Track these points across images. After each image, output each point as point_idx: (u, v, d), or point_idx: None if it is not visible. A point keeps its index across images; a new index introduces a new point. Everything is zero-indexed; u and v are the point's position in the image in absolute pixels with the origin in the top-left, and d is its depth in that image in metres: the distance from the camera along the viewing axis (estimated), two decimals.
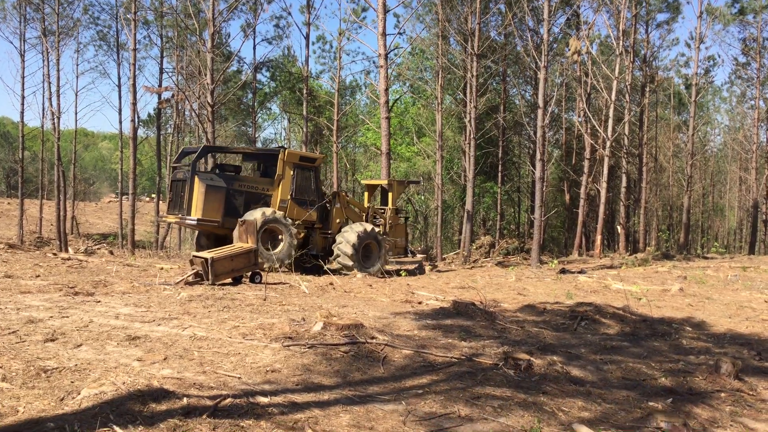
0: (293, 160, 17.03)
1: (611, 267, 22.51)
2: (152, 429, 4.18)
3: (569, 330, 8.96)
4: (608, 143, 28.64)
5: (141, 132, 41.24)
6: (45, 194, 38.50)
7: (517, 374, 6.25)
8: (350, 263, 16.64)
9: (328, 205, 17.84)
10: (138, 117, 30.75)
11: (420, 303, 11.28)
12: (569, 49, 25.91)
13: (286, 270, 16.26)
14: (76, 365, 5.60)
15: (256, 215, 15.34)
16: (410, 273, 18.90)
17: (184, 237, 32.63)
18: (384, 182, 20.41)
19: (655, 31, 38.27)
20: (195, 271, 12.48)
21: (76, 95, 34.99)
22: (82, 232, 38.15)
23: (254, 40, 37.81)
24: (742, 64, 40.26)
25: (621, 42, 30.08)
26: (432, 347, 7.16)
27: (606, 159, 28.96)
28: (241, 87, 36.97)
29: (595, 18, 31.09)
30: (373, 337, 7.16)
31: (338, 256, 16.87)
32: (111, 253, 24.41)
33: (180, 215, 15.84)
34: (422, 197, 41.81)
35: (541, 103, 21.83)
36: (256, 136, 41.96)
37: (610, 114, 29.36)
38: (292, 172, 16.93)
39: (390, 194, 19.54)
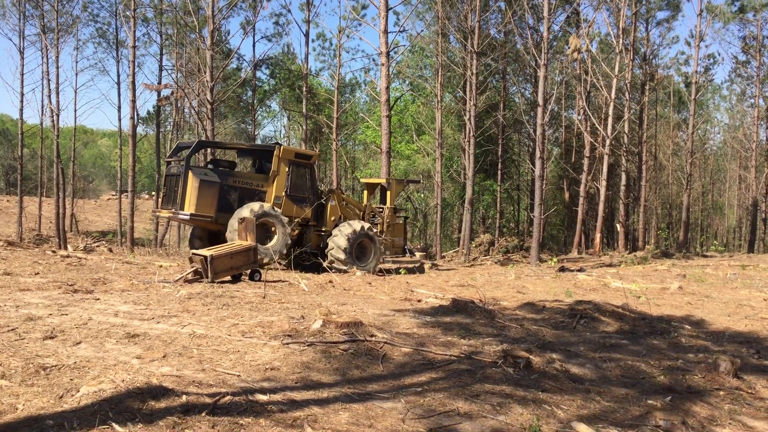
0: (288, 156, 16.95)
1: (610, 265, 22.52)
2: (151, 427, 4.18)
3: (568, 328, 8.97)
4: (608, 141, 28.64)
5: (140, 129, 41.29)
6: (44, 192, 38.50)
7: (517, 372, 6.25)
8: (343, 260, 16.57)
9: (324, 202, 17.79)
10: (137, 114, 30.74)
11: (419, 301, 11.28)
12: (569, 47, 25.90)
13: (285, 268, 16.24)
14: (75, 363, 5.60)
15: (245, 213, 15.20)
16: (409, 271, 18.89)
17: (184, 234, 32.60)
18: (382, 181, 20.35)
19: (655, 29, 38.31)
20: (194, 268, 12.48)
21: (76, 92, 34.94)
22: (81, 229, 38.14)
23: (254, 37, 37.84)
24: (742, 62, 40.26)
25: (621, 40, 30.07)
26: (431, 345, 7.16)
27: (605, 157, 28.97)
28: (241, 84, 36.95)
29: (595, 16, 31.11)
30: (372, 335, 7.16)
31: (332, 253, 16.82)
32: (110, 250, 24.40)
33: (173, 210, 15.76)
34: (422, 195, 41.81)
35: (540, 101, 21.82)
36: (256, 133, 41.95)
37: (610, 112, 29.36)
38: (287, 169, 16.85)
39: (388, 193, 19.47)
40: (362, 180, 24.14)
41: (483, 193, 38.70)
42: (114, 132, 53.06)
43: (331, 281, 13.61)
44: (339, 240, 16.63)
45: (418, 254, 26.18)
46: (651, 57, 38.87)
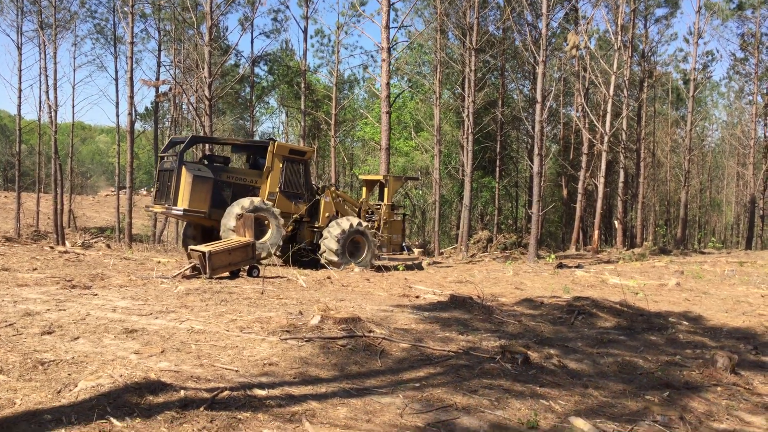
0: (283, 152, 16.87)
1: (608, 262, 22.55)
2: (149, 421, 4.18)
3: (566, 324, 8.98)
4: (606, 138, 28.65)
5: (138, 125, 41.21)
6: (42, 188, 38.47)
7: (515, 367, 6.26)
8: (335, 259, 16.52)
9: (318, 198, 17.72)
10: (135, 110, 30.68)
11: (418, 297, 11.29)
12: (567, 44, 25.87)
13: (283, 264, 16.23)
14: (73, 358, 5.60)
15: (236, 210, 15.14)
16: (408, 268, 18.89)
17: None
18: (379, 177, 20.30)
19: (653, 26, 38.27)
20: (192, 264, 12.47)
21: (74, 88, 34.97)
22: (79, 225, 38.12)
23: (252, 33, 37.78)
24: (740, 59, 40.24)
25: (619, 37, 30.05)
26: (429, 340, 7.17)
27: (604, 154, 28.97)
28: (239, 81, 36.89)
29: (594, 13, 31.06)
30: (370, 331, 7.17)
31: (324, 251, 16.79)
32: (108, 246, 24.39)
33: (166, 205, 15.69)
34: (420, 192, 41.81)
35: (539, 97, 21.81)
36: (254, 129, 41.90)
37: (608, 109, 29.35)
38: (281, 165, 16.77)
39: (386, 190, 19.42)
40: (361, 177, 24.05)
41: (481, 190, 38.72)
42: (112, 128, 53.00)
43: (329, 277, 13.61)
44: (329, 243, 16.58)
45: (416, 251, 26.18)
46: (649, 54, 38.88)
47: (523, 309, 10.03)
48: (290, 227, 17.07)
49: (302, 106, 32.76)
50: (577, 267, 19.25)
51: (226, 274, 12.46)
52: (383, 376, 5.82)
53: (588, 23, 30.69)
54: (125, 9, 28.84)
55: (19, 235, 29.44)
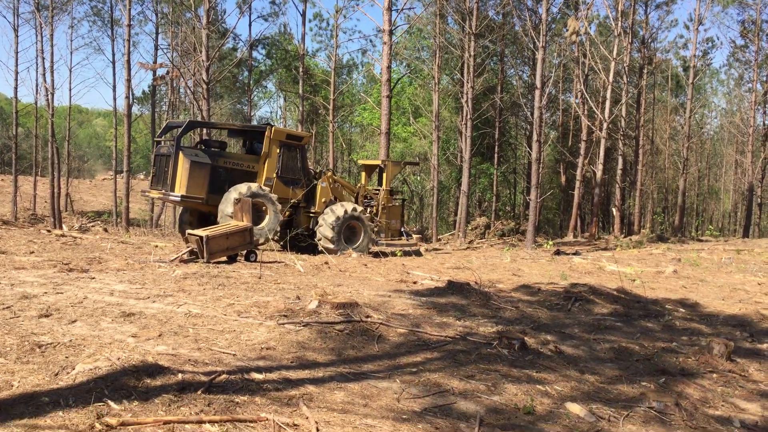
0: (280, 137, 16.79)
1: (606, 249, 22.59)
2: (147, 404, 4.19)
3: (563, 310, 9.00)
4: (605, 125, 28.59)
5: (135, 109, 40.96)
6: (39, 171, 38.30)
7: (511, 353, 6.28)
8: (331, 246, 16.52)
9: (315, 183, 17.66)
10: (132, 94, 30.55)
11: (415, 283, 11.30)
12: (567, 30, 25.70)
13: (281, 249, 16.22)
14: (70, 341, 5.60)
15: (233, 195, 15.11)
16: (405, 253, 18.89)
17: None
18: (378, 162, 20.23)
19: (654, 12, 38.06)
20: (190, 248, 12.47)
21: (70, 71, 34.54)
22: (76, 209, 38.03)
23: (250, 16, 37.50)
24: (740, 46, 40.07)
25: (619, 23, 29.89)
26: (427, 326, 7.18)
27: (602, 141, 28.92)
28: (237, 64, 36.64)
29: None
30: (368, 316, 7.18)
31: (320, 238, 16.78)
32: (105, 230, 24.36)
33: (164, 191, 15.64)
34: (418, 178, 41.74)
35: (538, 83, 21.72)
36: (252, 114, 41.71)
37: (608, 95, 29.26)
38: (278, 150, 16.69)
39: (384, 175, 19.36)
40: (360, 162, 23.94)
41: (479, 176, 38.64)
42: (109, 112, 52.76)
43: (327, 262, 13.62)
44: (324, 230, 16.57)
45: (414, 237, 26.15)
46: (650, 40, 38.69)
47: (521, 295, 10.05)
48: (287, 212, 17.04)
49: (300, 91, 32.58)
50: (574, 254, 19.27)
51: (224, 258, 12.46)
52: (380, 360, 5.84)
53: (588, 9, 30.51)
54: None
55: (16, 218, 29.39)
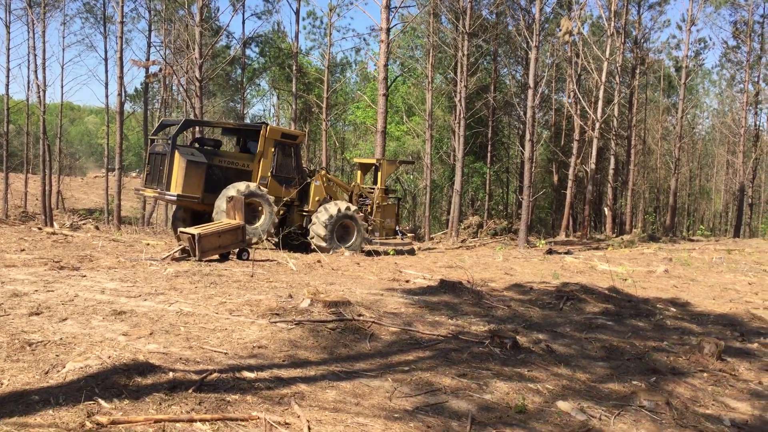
0: (275, 136, 16.76)
1: (598, 248, 22.66)
2: (138, 403, 4.18)
3: (555, 309, 9.02)
4: (597, 125, 28.67)
5: (128, 107, 40.82)
6: (30, 168, 38.12)
7: (503, 351, 6.29)
8: (324, 244, 16.51)
9: (309, 182, 17.64)
10: (125, 91, 30.40)
11: (407, 281, 11.30)
12: (560, 30, 25.76)
13: (274, 247, 16.19)
14: (61, 339, 5.57)
15: (231, 192, 15.08)
16: (398, 252, 18.90)
17: (171, 213, 32.38)
18: (373, 161, 20.21)
19: (647, 12, 38.16)
20: (182, 246, 12.42)
21: (62, 68, 34.59)
22: (67, 207, 37.86)
23: (243, 14, 37.49)
24: (733, 47, 40.26)
25: (612, 23, 29.98)
26: (419, 324, 7.18)
27: (595, 140, 29.00)
28: (230, 62, 36.53)
29: None
30: (360, 314, 7.17)
31: (312, 236, 16.77)
32: (97, 228, 24.25)
33: (159, 190, 15.59)
34: (411, 177, 41.75)
35: (531, 83, 21.77)
36: (245, 112, 41.61)
37: (600, 95, 29.35)
38: (273, 149, 16.68)
39: (379, 173, 19.34)
40: (356, 160, 23.87)
41: (472, 175, 38.68)
42: (101, 109, 52.49)
43: (319, 261, 13.61)
44: (317, 228, 16.57)
45: (409, 236, 26.14)
46: (642, 41, 38.80)
47: (513, 294, 10.08)
48: (281, 211, 17.03)
49: (293, 89, 32.53)
50: (566, 253, 19.32)
51: (216, 256, 12.42)
52: (372, 359, 5.84)
53: (581, 9, 30.56)
54: None
55: (6, 215, 29.25)
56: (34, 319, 6.28)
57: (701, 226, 46.77)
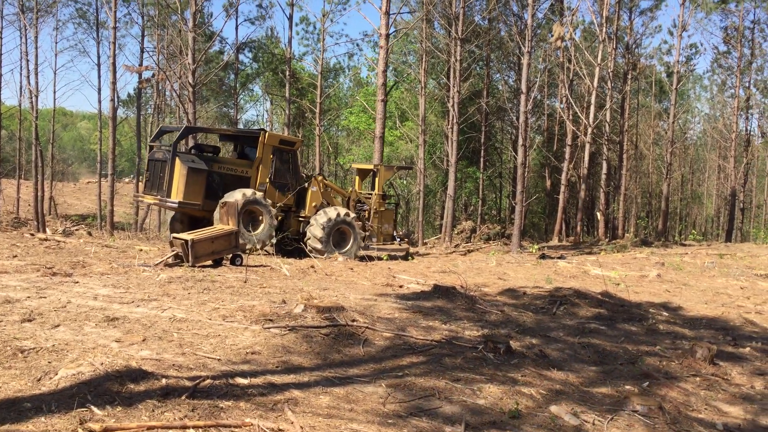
0: (273, 142, 16.81)
1: (590, 253, 22.72)
2: (130, 410, 4.16)
3: (548, 314, 9.04)
4: (590, 130, 28.79)
5: (121, 112, 40.72)
6: (23, 174, 37.98)
7: (497, 356, 6.30)
8: (319, 246, 16.50)
9: (305, 187, 17.64)
10: (118, 97, 30.35)
11: (401, 287, 11.31)
12: (553, 35, 25.89)
13: (268, 253, 16.17)
14: (53, 345, 5.55)
15: (236, 196, 15.16)
16: (391, 257, 18.90)
17: (164, 219, 32.28)
18: (371, 166, 20.22)
19: (638, 18, 38.34)
20: (175, 252, 12.39)
21: (55, 74, 34.38)
22: (60, 212, 37.67)
23: (237, 20, 37.28)
24: (723, 52, 40.50)
25: (604, 28, 30.14)
26: (412, 330, 7.19)
27: (587, 146, 29.12)
28: (223, 68, 36.53)
29: (579, 4, 31.14)
30: (353, 320, 7.17)
31: (309, 238, 16.77)
32: (89, 234, 24.16)
33: (159, 197, 15.61)
34: (404, 182, 41.78)
35: (524, 88, 21.86)
36: (238, 117, 41.57)
37: (592, 101, 29.48)
38: (271, 156, 16.73)
39: (377, 179, 19.34)
40: (354, 165, 23.83)
41: (465, 180, 38.75)
42: (94, 114, 52.35)
43: (313, 266, 13.59)
44: (314, 230, 16.57)
45: (405, 241, 26.11)
46: (634, 46, 39.00)
47: (506, 299, 10.09)
48: (279, 217, 17.03)
49: (287, 95, 32.56)
50: (559, 258, 19.37)
51: (209, 262, 12.39)
52: (366, 364, 5.83)
53: (573, 14, 30.71)
54: None
55: None
56: (26, 326, 6.25)
57: (693, 231, 46.93)
